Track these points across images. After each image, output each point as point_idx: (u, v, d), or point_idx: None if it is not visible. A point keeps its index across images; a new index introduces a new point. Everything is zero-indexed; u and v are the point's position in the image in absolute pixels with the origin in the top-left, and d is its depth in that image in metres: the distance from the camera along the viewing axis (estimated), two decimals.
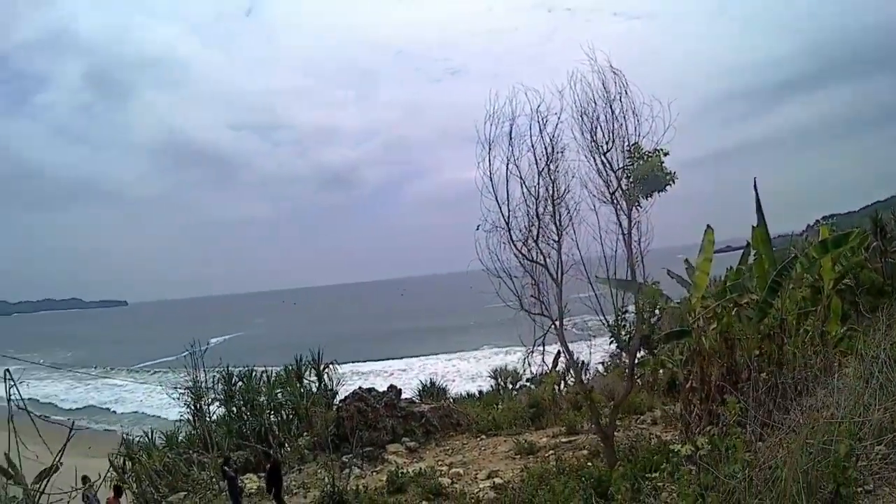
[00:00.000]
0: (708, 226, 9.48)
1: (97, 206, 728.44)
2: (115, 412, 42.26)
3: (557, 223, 8.62)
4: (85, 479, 13.14)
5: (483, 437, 16.41)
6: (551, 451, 13.06)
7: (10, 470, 12.22)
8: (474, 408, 19.40)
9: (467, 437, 16.80)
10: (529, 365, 10.62)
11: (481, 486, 11.96)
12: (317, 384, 21.15)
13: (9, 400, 10.36)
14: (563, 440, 13.99)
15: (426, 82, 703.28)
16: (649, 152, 8.19)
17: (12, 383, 10.44)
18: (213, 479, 14.91)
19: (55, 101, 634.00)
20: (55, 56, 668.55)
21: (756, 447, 4.79)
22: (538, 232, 8.66)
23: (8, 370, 10.78)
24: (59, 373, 52.20)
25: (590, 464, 10.19)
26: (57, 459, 10.12)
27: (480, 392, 26.02)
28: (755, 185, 9.24)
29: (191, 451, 17.02)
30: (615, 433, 9.75)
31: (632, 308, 8.75)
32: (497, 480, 11.96)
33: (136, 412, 40.65)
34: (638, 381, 12.27)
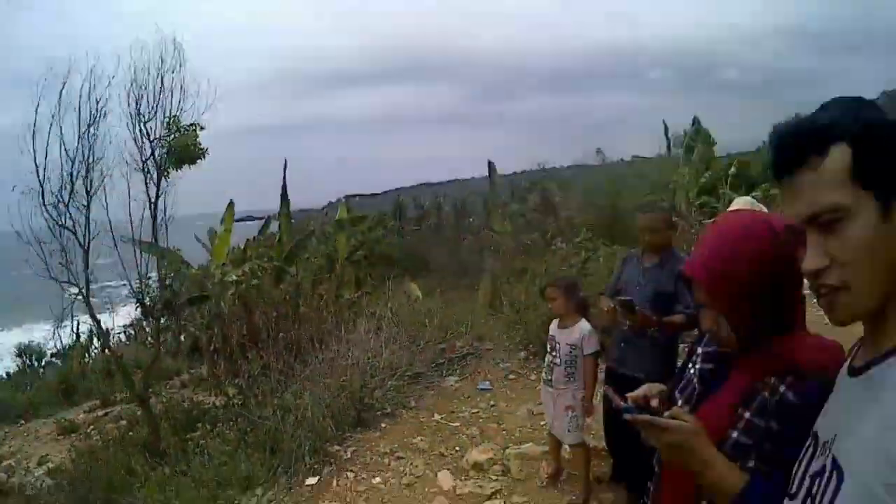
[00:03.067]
0: (231, 200, 10.46)
1: None
2: None
3: (88, 187, 8.32)
4: None
5: (22, 421, 14.05)
6: (92, 426, 12.30)
7: None
8: (6, 391, 16.33)
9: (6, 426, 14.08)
10: (60, 338, 9.75)
11: (37, 475, 10.38)
12: None
13: None
14: (101, 413, 13.29)
15: None
16: (187, 126, 8.39)
17: None
18: None
19: None
20: None
21: (282, 394, 5.78)
22: (69, 196, 8.19)
23: None
24: None
25: (131, 433, 9.92)
26: None
27: (9, 374, 21.90)
28: (285, 165, 10.87)
29: None
30: (150, 399, 9.97)
31: (155, 274, 9.02)
32: (51, 466, 10.56)
33: None
34: (162, 346, 12.71)
